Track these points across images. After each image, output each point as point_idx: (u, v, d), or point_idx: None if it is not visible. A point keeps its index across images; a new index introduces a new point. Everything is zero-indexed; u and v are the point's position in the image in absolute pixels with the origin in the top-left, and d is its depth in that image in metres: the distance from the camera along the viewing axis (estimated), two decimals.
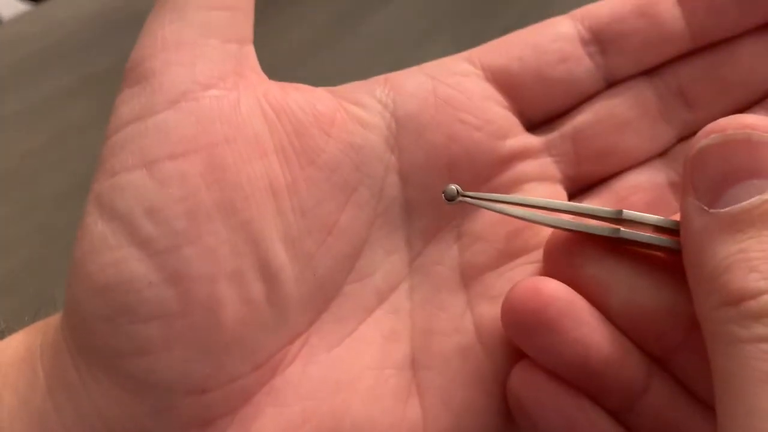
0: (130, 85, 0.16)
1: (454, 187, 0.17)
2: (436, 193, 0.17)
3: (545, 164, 0.19)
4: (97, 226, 0.15)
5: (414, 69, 0.20)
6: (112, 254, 0.15)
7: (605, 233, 0.15)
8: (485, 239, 0.18)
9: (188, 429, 0.15)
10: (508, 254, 0.18)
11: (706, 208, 0.13)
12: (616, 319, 0.16)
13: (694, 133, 0.15)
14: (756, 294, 0.12)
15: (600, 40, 0.19)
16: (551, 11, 0.72)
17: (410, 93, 0.18)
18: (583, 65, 0.19)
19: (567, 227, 0.16)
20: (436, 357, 0.17)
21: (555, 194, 0.19)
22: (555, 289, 0.15)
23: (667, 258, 0.16)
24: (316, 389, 0.16)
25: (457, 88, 0.19)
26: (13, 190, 0.48)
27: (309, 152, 0.17)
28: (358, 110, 0.18)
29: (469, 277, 0.18)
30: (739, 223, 0.13)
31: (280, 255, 0.16)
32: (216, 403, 0.15)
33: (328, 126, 0.17)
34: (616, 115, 0.19)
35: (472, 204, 0.17)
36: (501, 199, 0.17)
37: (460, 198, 0.17)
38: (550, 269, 0.16)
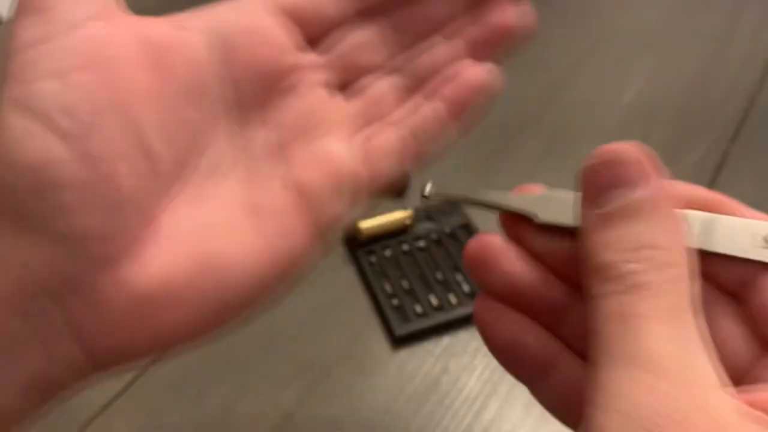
0: (28, 14, 0.21)
1: (430, 186, 0.24)
2: (250, 94, 0.25)
3: (317, 74, 0.26)
4: (19, 122, 0.20)
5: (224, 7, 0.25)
6: (37, 142, 0.20)
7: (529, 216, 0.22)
8: (281, 122, 0.25)
9: (97, 267, 0.20)
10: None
11: (592, 209, 0.19)
12: (541, 261, 0.22)
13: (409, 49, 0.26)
14: (609, 265, 0.18)
15: None
16: (550, 11, 0.72)
17: (228, 20, 0.25)
18: (335, 5, 0.25)
19: (505, 209, 0.22)
20: (270, 208, 0.24)
21: (323, 94, 0.25)
22: (493, 238, 0.22)
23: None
24: (188, 233, 0.22)
25: (251, 23, 0.25)
26: None
27: (170, 69, 0.23)
28: (197, 38, 0.24)
29: (282, 149, 0.25)
30: (608, 220, 0.19)
31: (156, 141, 0.22)
32: (116, 248, 0.21)
33: (181, 49, 0.23)
34: (366, 39, 0.26)
35: (443, 197, 0.24)
36: (465, 193, 0.24)
37: (433, 194, 0.24)
38: (505, 225, 0.23)
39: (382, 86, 0.26)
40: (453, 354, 0.39)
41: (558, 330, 0.21)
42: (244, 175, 0.24)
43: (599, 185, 0.19)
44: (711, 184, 0.51)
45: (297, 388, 0.36)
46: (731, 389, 0.16)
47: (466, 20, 0.26)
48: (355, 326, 0.39)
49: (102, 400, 0.35)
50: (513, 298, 0.21)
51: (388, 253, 0.43)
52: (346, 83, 0.26)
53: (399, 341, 0.38)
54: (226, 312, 0.23)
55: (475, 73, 0.25)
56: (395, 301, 0.40)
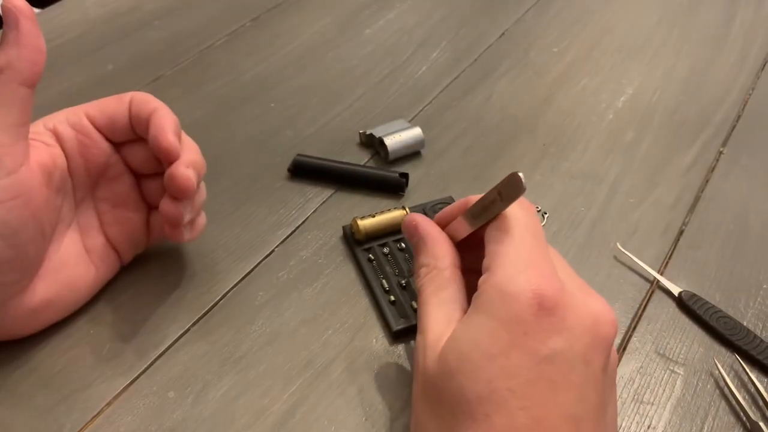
0: None
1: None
2: (81, 182, 0.39)
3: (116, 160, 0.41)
4: None
5: (57, 114, 0.38)
6: None
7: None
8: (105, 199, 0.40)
9: (10, 297, 0.34)
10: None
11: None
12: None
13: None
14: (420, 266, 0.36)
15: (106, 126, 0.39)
16: (548, 16, 0.73)
17: (65, 131, 0.38)
18: (124, 128, 0.39)
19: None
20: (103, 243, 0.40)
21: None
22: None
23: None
24: (56, 269, 0.37)
25: (81, 127, 0.38)
26: None
27: (54, 179, 0.36)
28: (59, 151, 0.37)
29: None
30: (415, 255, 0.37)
31: (46, 225, 0.35)
32: (22, 286, 0.35)
33: (55, 162, 0.36)
34: (139, 156, 0.40)
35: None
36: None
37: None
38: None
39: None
40: None
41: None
42: (81, 230, 0.39)
43: (410, 235, 0.37)
44: (704, 185, 0.51)
45: (297, 384, 0.36)
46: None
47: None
48: (353, 322, 0.40)
49: (105, 397, 0.35)
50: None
51: (385, 250, 0.43)
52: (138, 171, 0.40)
53: (396, 335, 0.39)
54: (71, 311, 0.39)
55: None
56: (392, 297, 0.40)
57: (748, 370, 0.38)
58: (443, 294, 0.33)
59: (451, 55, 0.66)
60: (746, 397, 0.37)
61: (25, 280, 0.34)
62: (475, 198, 0.34)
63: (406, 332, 0.39)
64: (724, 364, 0.39)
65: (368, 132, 0.53)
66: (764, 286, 0.43)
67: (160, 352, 0.38)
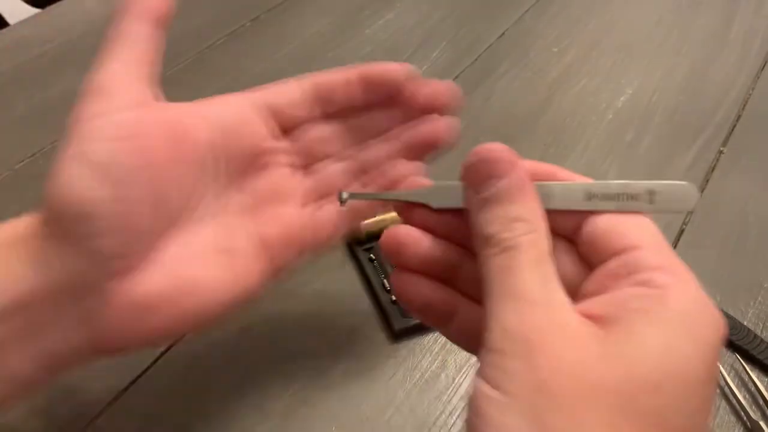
0: (92, 95, 0.28)
1: (345, 193, 0.30)
2: (234, 170, 0.32)
3: (285, 157, 0.33)
4: (76, 169, 0.26)
5: (238, 94, 0.34)
6: (85, 182, 0.26)
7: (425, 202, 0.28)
8: (253, 192, 0.33)
9: (111, 278, 0.27)
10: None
11: (475, 195, 0.25)
12: (435, 232, 0.28)
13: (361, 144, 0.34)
14: (493, 234, 0.24)
15: (317, 96, 0.33)
16: (548, 15, 0.73)
17: (231, 110, 0.33)
18: (307, 107, 0.33)
19: (405, 200, 0.28)
20: (237, 244, 0.31)
21: (286, 171, 0.33)
22: (401, 228, 0.28)
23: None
24: (174, 262, 0.29)
25: (244, 115, 0.33)
26: (20, 191, 0.49)
27: (184, 145, 0.30)
28: (204, 125, 0.31)
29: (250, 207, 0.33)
30: (490, 203, 0.25)
31: (166, 194, 0.29)
32: (127, 265, 0.27)
33: (192, 132, 0.30)
34: (325, 134, 0.34)
35: (357, 198, 0.31)
36: (374, 193, 0.32)
37: (348, 198, 0.30)
38: (402, 216, 0.29)
39: (333, 170, 0.34)
40: (451, 350, 0.39)
41: (455, 283, 0.28)
42: (220, 226, 0.31)
43: (478, 177, 0.25)
44: (704, 185, 0.52)
45: (299, 382, 0.37)
46: (574, 306, 0.23)
47: (404, 128, 0.33)
48: (355, 321, 0.40)
49: (109, 395, 0.35)
50: (420, 267, 0.27)
51: None
52: (306, 165, 0.34)
53: (398, 335, 0.39)
54: (194, 322, 0.29)
55: (404, 169, 0.33)
56: (393, 297, 0.40)
57: (748, 370, 0.38)
58: (548, 269, 0.24)
59: (451, 55, 0.66)
60: (747, 396, 0.37)
61: (131, 257, 0.27)
62: (566, 172, 0.27)
63: (407, 332, 0.39)
64: (725, 363, 0.39)
65: None
66: (765, 286, 0.43)
67: (161, 352, 0.38)
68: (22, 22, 0.69)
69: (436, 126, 0.33)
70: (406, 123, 0.33)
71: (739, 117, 0.59)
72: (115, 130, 0.27)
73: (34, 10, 0.73)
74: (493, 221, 0.25)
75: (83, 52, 0.66)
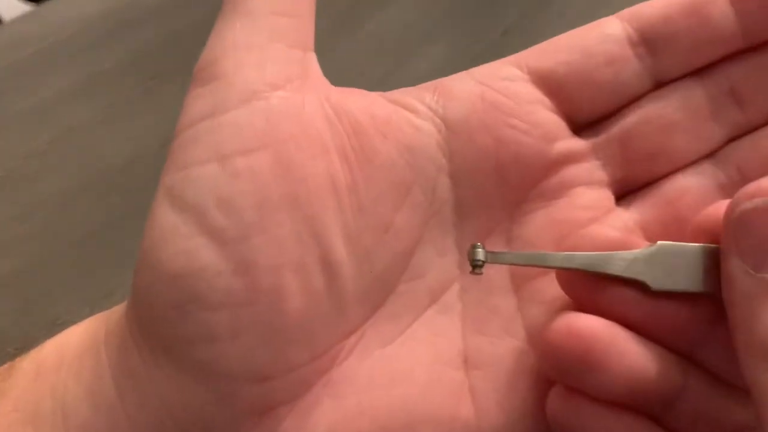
0: (201, 84, 0.17)
1: (480, 252, 0.17)
2: (486, 196, 0.19)
3: (593, 168, 0.19)
4: (169, 216, 0.16)
5: (462, 74, 0.20)
6: (183, 243, 0.15)
7: (642, 278, 0.16)
8: (534, 244, 0.18)
9: (248, 417, 0.16)
10: None
11: (752, 272, 0.14)
12: (644, 330, 0.16)
13: (745, 132, 0.18)
14: None
15: (648, 40, 0.19)
16: (550, 12, 0.72)
17: (459, 98, 0.19)
18: (630, 67, 0.19)
19: (596, 271, 0.16)
20: (488, 358, 0.18)
21: (602, 198, 0.19)
22: (592, 326, 0.16)
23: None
24: (371, 383, 0.17)
25: (505, 93, 0.19)
26: (16, 190, 0.48)
27: (367, 152, 0.17)
28: (410, 115, 0.19)
29: (519, 280, 0.19)
30: None
31: (340, 249, 0.17)
32: (276, 392, 0.16)
33: (384, 128, 0.18)
34: (664, 116, 0.18)
35: (497, 263, 0.17)
36: (524, 258, 0.17)
37: (486, 262, 0.17)
38: (576, 297, 0.17)
39: (687, 187, 0.18)
40: None
41: (667, 421, 0.16)
42: (473, 312, 0.18)
43: (758, 242, 0.13)
44: None
45: None
46: None
47: None
48: None
49: None
50: (618, 396, 0.16)
51: None
52: (627, 179, 0.19)
53: None
54: None
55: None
56: None
57: None
58: None
59: (451, 52, 0.66)
60: None
61: (283, 375, 0.16)
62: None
63: None
64: None
65: None
66: None
67: None
68: (17, 19, 0.69)
69: None
70: None
71: None
72: (234, 137, 0.16)
73: (28, 7, 0.72)
74: None
75: (79, 49, 0.65)
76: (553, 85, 0.19)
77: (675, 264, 0.16)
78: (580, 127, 0.20)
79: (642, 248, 0.16)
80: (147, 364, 0.16)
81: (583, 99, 0.19)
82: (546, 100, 0.19)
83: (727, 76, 0.18)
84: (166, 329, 0.16)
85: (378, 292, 0.18)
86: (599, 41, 0.19)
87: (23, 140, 0.53)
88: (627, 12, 0.20)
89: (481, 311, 0.18)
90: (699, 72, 0.19)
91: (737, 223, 0.14)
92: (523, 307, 0.18)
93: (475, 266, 0.17)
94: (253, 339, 0.15)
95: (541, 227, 0.18)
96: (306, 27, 0.19)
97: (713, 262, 0.15)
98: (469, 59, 0.65)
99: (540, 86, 0.19)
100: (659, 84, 0.19)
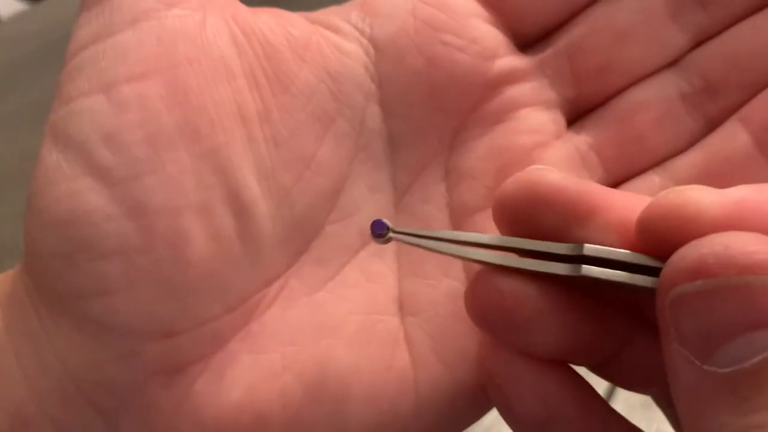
0: (88, 8, 0.15)
1: (384, 222, 0.14)
2: (420, 125, 0.17)
3: (539, 87, 0.17)
4: (52, 156, 0.14)
5: None
6: (67, 185, 0.14)
7: (563, 271, 0.13)
8: (474, 176, 0.16)
9: (155, 376, 0.14)
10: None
11: (697, 363, 0.11)
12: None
13: (710, 36, 0.15)
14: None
15: None
16: None
17: (388, 15, 0.16)
18: None
19: (516, 266, 0.14)
20: (425, 302, 0.16)
21: (551, 121, 0.17)
22: (516, 286, 0.14)
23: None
24: (296, 335, 0.15)
25: (438, 6, 0.16)
26: (12, 189, 0.48)
27: (282, 78, 0.15)
28: (333, 35, 0.16)
29: (458, 217, 0.17)
30: (744, 389, 0.10)
31: (252, 187, 0.15)
32: (185, 349, 0.14)
33: (302, 50, 0.16)
34: (617, 23, 0.16)
35: (403, 241, 0.14)
36: (434, 236, 0.14)
37: (391, 234, 0.14)
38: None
39: (645, 100, 0.16)
40: None
41: (607, 370, 0.15)
42: (409, 253, 0.16)
43: (715, 326, 0.11)
44: None
45: None
46: None
47: None
48: None
49: None
50: (539, 348, 0.14)
51: None
52: (579, 99, 0.17)
53: None
54: None
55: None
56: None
57: None
58: None
59: None
60: None
61: (190, 332, 0.15)
62: None
63: None
64: None
65: None
66: None
67: None
68: (15, 17, 0.68)
69: None
70: None
71: None
72: (121, 62, 0.14)
73: (26, 5, 0.72)
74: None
75: None
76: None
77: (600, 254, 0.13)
78: (525, 42, 0.17)
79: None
80: (43, 323, 0.14)
81: (526, 9, 0.17)
82: (484, 13, 0.17)
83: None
84: (57, 282, 0.14)
85: (301, 234, 0.16)
86: None
87: (19, 139, 0.53)
88: None
89: (418, 251, 0.15)
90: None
91: (676, 306, 0.11)
92: None
93: (377, 237, 0.14)
94: (153, 290, 0.14)
95: (482, 156, 0.16)
96: None
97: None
98: None
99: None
100: None
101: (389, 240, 0.14)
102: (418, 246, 0.14)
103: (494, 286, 0.14)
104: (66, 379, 0.14)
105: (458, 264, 0.16)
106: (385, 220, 0.14)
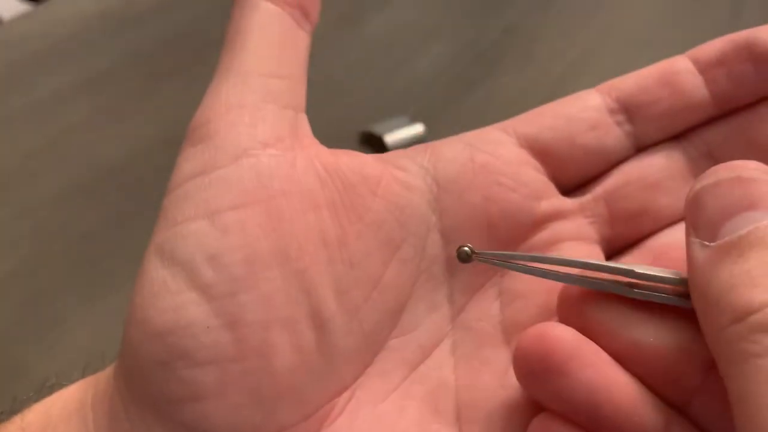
0: (193, 144, 0.17)
1: (467, 248, 0.17)
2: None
3: (580, 225, 0.20)
4: (158, 272, 0.15)
5: (452, 138, 0.20)
6: (171, 299, 0.15)
7: (619, 291, 0.16)
8: (526, 296, 0.19)
9: None
10: (549, 310, 0.18)
11: (706, 243, 0.14)
12: (628, 364, 0.16)
13: None
14: (761, 307, 0.12)
15: (627, 109, 0.20)
16: (551, 10, 0.72)
17: (449, 159, 0.19)
18: (611, 133, 0.20)
19: (581, 284, 0.16)
20: (482, 412, 0.17)
21: (592, 253, 0.19)
22: (560, 332, 0.16)
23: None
24: None
25: (493, 154, 0.20)
26: (13, 190, 0.48)
27: (358, 209, 0.18)
28: (401, 174, 0.19)
29: (511, 333, 0.18)
30: (739, 248, 0.13)
31: (331, 305, 0.17)
32: None
33: (375, 186, 0.18)
34: (647, 177, 0.19)
35: (486, 263, 0.17)
36: (516, 257, 0.17)
37: (474, 258, 0.17)
38: (563, 317, 0.17)
39: (671, 243, 0.19)
40: None
41: None
42: (465, 366, 0.18)
43: (717, 211, 0.14)
44: None
45: None
46: None
47: None
48: None
49: None
50: (588, 421, 0.15)
51: None
52: (616, 238, 0.20)
53: None
54: None
55: None
56: None
57: None
58: None
59: (453, 50, 0.66)
60: None
61: (270, 431, 0.16)
62: None
63: None
64: None
65: (368, 129, 0.52)
66: None
67: None
68: (17, 18, 0.68)
69: None
70: None
71: None
72: (223, 193, 0.16)
73: (28, 6, 0.72)
74: (746, 280, 0.13)
75: (76, 49, 0.65)
76: (539, 148, 0.20)
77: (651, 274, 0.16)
78: (567, 189, 0.20)
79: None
80: (134, 426, 0.16)
81: (568, 161, 0.20)
82: (533, 162, 0.20)
83: (704, 140, 0.20)
84: (153, 387, 0.15)
85: (368, 348, 0.18)
86: (581, 109, 0.21)
87: (21, 140, 0.53)
88: (605, 85, 0.21)
89: (474, 365, 0.18)
90: (678, 137, 0.20)
91: (692, 202, 0.15)
92: None
93: (462, 258, 0.18)
94: (241, 397, 0.15)
95: (532, 281, 0.18)
96: (298, 88, 0.20)
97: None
98: (470, 57, 0.64)
99: (527, 149, 0.20)
100: (641, 148, 0.20)
101: (471, 260, 0.17)
102: (503, 267, 0.17)
103: (544, 328, 0.16)
104: None
105: (513, 377, 0.17)
106: (469, 245, 0.17)
